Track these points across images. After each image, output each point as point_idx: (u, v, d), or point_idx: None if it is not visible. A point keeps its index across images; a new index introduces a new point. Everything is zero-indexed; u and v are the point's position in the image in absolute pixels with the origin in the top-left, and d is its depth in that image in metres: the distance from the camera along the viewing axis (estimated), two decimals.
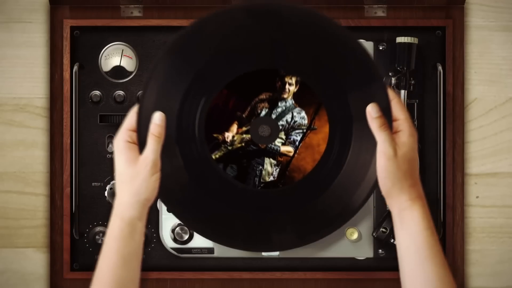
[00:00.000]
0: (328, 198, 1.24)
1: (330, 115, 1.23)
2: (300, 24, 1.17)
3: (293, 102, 1.31)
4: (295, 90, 1.30)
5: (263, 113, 1.31)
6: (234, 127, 1.32)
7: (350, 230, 1.49)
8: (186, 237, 1.50)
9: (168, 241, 1.51)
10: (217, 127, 1.31)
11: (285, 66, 1.23)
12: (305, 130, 1.30)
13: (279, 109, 1.30)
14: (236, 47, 1.20)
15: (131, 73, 1.51)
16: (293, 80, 1.28)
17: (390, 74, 1.48)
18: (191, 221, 1.26)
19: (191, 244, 1.50)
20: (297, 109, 1.31)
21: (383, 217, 1.45)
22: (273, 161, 1.32)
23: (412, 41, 1.42)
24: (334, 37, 1.18)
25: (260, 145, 1.30)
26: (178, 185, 1.23)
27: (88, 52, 1.51)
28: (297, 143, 1.31)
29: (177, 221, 1.49)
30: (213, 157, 1.28)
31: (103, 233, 1.50)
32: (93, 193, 1.51)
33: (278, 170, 1.33)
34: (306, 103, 1.31)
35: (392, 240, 1.43)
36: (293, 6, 1.17)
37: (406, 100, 1.47)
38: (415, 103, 1.50)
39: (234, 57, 1.21)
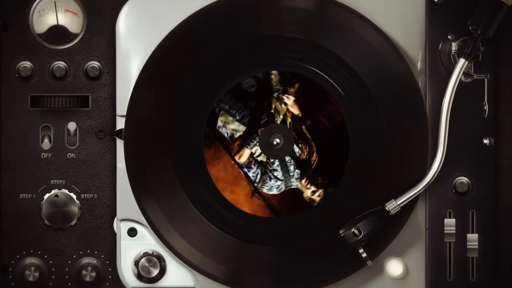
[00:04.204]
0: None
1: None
2: None
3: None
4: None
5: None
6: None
7: (392, 263, 1.41)
8: (155, 272, 1.40)
9: (129, 278, 1.42)
10: None
11: None
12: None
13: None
14: None
15: (75, 35, 1.42)
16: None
17: (449, 37, 1.37)
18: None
19: (162, 283, 1.42)
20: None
21: (363, 215, 1.37)
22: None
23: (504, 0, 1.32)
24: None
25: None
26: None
27: (14, 6, 1.44)
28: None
29: (142, 249, 1.40)
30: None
31: (36, 267, 1.40)
32: (21, 208, 1.43)
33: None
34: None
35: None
36: None
37: (474, 74, 1.36)
38: (486, 79, 1.39)
39: None
